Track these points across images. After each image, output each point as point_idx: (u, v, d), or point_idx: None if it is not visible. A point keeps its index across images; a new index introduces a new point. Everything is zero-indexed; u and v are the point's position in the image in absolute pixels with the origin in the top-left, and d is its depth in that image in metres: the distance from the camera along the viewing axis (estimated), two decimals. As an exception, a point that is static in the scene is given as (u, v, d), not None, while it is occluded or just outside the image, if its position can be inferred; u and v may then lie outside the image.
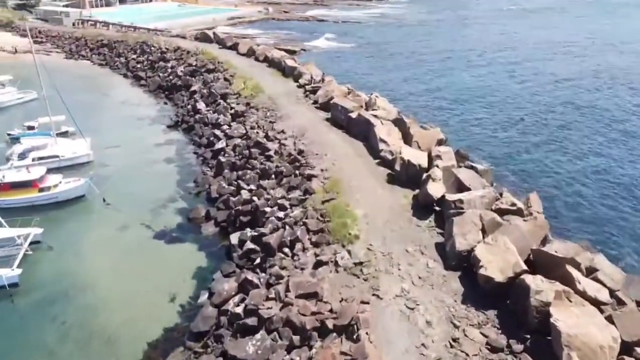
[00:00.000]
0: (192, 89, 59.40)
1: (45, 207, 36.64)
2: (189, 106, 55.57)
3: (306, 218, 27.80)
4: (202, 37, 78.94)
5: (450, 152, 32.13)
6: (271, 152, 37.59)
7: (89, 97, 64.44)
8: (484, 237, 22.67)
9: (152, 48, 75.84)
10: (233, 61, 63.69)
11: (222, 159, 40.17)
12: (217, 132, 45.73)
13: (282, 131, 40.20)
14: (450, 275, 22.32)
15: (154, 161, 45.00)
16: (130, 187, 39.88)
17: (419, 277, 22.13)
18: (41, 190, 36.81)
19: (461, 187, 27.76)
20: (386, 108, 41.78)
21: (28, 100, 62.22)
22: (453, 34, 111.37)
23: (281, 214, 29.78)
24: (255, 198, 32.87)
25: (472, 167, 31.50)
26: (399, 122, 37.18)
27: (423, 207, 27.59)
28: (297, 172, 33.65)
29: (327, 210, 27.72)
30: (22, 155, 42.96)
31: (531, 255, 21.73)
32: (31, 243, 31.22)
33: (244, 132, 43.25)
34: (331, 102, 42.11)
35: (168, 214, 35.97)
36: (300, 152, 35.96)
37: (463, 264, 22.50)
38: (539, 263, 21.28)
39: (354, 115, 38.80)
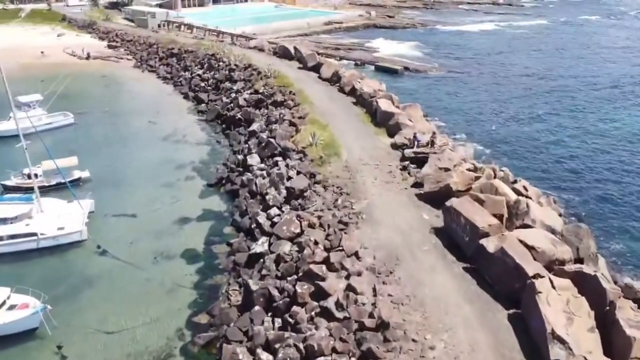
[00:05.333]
0: (252, 127, 44.22)
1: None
2: (241, 156, 40.46)
3: None
4: (281, 52, 63.59)
5: None
6: (329, 303, 20.73)
7: (130, 125, 51.95)
8: None
9: (221, 63, 62.04)
10: (310, 91, 47.50)
11: (254, 285, 23.98)
12: (261, 219, 29.81)
13: (356, 254, 23.10)
14: None
15: (169, 256, 30.08)
16: (112, 315, 25.01)
17: None
18: (-34, 319, 23.27)
19: None
20: (549, 223, 23.08)
21: (60, 126, 50.82)
22: (613, 54, 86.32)
23: None
24: None
25: None
26: (584, 281, 18.30)
27: None
28: (369, 387, 16.56)
29: None
30: (-12, 232, 30.39)
31: None
32: None
33: (298, 231, 26.80)
34: (447, 205, 24.00)
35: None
36: (382, 325, 18.68)
37: None
38: None
39: (490, 245, 20.64)
